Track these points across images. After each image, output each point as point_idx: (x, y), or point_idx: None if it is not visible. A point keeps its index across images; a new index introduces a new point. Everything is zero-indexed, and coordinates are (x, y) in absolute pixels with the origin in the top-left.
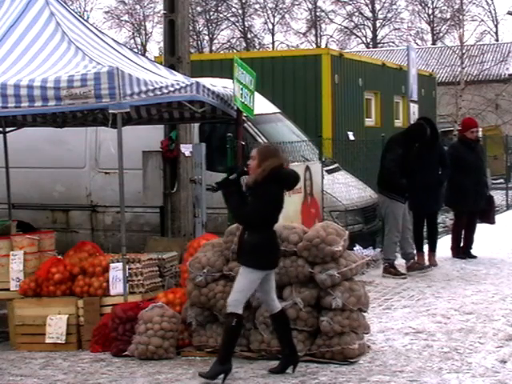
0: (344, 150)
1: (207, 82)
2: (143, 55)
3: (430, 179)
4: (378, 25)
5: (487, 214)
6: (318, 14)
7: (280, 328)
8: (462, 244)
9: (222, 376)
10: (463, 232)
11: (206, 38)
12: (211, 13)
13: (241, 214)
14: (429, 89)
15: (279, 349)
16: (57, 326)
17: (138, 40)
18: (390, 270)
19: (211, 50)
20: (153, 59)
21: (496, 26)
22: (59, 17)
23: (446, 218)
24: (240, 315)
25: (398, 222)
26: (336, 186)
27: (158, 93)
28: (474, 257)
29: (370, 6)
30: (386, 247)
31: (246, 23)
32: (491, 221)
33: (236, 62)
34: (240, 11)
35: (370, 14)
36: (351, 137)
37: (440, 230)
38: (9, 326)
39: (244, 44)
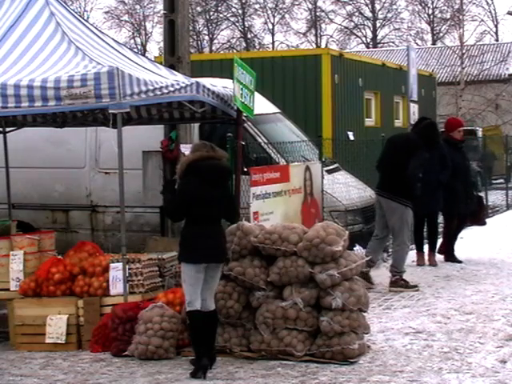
0: (344, 150)
1: (207, 82)
2: (143, 55)
3: (430, 179)
4: (378, 25)
5: (477, 215)
6: (318, 14)
7: (206, 327)
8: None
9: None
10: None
11: (206, 38)
12: (211, 13)
13: (165, 210)
14: (429, 89)
15: (279, 349)
16: (57, 326)
17: (138, 40)
18: (402, 283)
19: (211, 50)
20: (153, 59)
21: (496, 26)
22: (59, 17)
23: None
24: (195, 311)
25: (409, 231)
26: (336, 186)
27: (158, 93)
28: (460, 261)
29: (370, 6)
30: (399, 259)
31: (246, 23)
32: (481, 222)
33: (236, 62)
34: (240, 11)
35: (370, 14)
36: (351, 137)
37: (440, 230)
38: (9, 326)
39: (244, 44)
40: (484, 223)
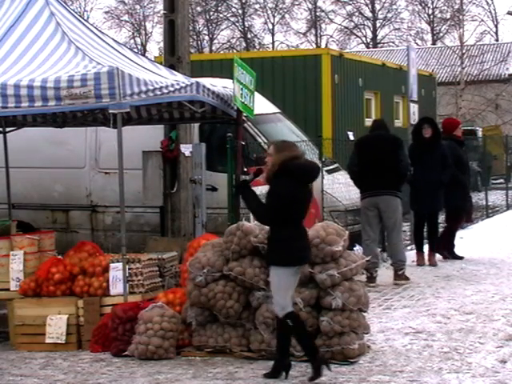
0: (344, 150)
1: (207, 82)
2: (143, 55)
3: (432, 179)
4: (378, 25)
5: (468, 213)
6: (318, 14)
7: (277, 332)
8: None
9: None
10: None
11: (206, 38)
12: (211, 13)
13: (256, 215)
14: (429, 89)
15: None
16: (57, 326)
17: (138, 40)
18: (405, 276)
19: (211, 50)
20: (153, 59)
21: (496, 26)
22: (59, 17)
23: None
24: (292, 312)
25: None
26: (336, 186)
27: (158, 93)
28: (461, 257)
29: (370, 6)
30: (403, 251)
31: (246, 23)
32: (470, 219)
33: (236, 62)
34: (240, 11)
35: (370, 14)
36: (351, 137)
37: (440, 230)
38: (9, 326)
39: (244, 44)
40: (472, 221)
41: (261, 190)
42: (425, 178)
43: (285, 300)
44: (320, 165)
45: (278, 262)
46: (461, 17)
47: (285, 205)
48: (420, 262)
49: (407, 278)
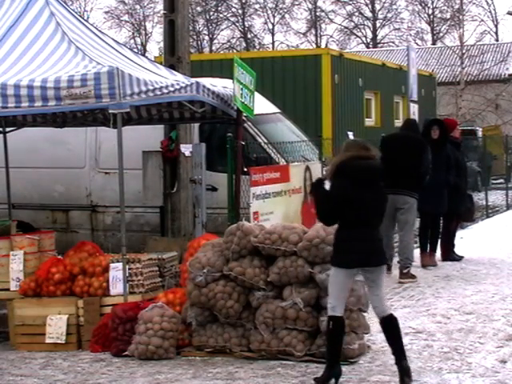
0: None
1: (207, 82)
2: (143, 55)
3: (437, 180)
4: (378, 25)
5: (470, 213)
6: (318, 14)
7: (387, 334)
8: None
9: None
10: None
11: (206, 38)
12: (211, 13)
13: (317, 214)
14: (429, 89)
15: (279, 349)
16: (57, 325)
17: (138, 40)
18: (411, 274)
19: (211, 50)
20: (153, 59)
21: (496, 26)
22: (59, 17)
23: None
24: (337, 317)
25: None
26: None
27: (158, 93)
28: (460, 257)
29: (370, 6)
30: (411, 250)
31: (246, 23)
32: (472, 219)
33: (236, 62)
34: (240, 11)
35: (370, 14)
36: (351, 137)
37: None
38: (9, 326)
39: (244, 44)
40: (473, 220)
41: (261, 189)
42: (431, 179)
43: (336, 300)
44: (321, 165)
45: (333, 262)
46: (461, 17)
47: (338, 206)
48: (424, 263)
49: (413, 277)
